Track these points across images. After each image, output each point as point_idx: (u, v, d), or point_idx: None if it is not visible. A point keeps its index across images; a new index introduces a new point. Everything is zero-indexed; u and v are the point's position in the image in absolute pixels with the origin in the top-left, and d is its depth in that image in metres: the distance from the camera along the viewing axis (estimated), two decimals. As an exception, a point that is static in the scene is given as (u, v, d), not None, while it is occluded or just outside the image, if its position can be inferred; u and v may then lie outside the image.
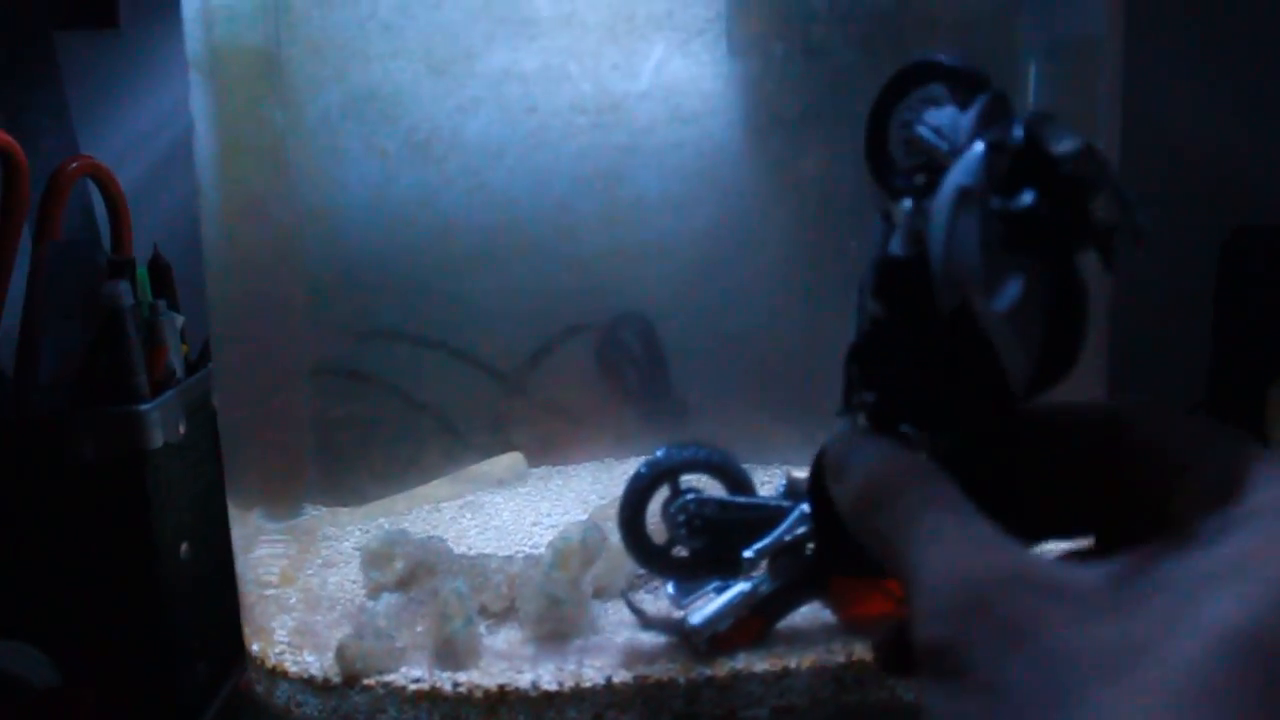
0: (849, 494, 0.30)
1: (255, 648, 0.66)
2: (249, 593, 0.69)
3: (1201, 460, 0.27)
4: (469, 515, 0.78)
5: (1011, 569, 0.25)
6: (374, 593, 0.68)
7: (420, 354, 0.81)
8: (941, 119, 0.30)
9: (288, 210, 0.72)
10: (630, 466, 0.83)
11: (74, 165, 0.77)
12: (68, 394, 0.73)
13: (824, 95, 0.62)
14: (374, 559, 0.68)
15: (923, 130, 0.30)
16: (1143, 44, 0.80)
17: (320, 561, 0.74)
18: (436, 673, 0.60)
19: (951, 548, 0.26)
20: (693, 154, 0.61)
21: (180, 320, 0.82)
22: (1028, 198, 0.28)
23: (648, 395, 0.85)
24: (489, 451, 0.84)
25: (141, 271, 0.83)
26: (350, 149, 0.67)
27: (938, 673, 0.25)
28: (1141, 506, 0.28)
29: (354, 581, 0.71)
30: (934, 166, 0.30)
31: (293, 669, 0.63)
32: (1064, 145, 0.28)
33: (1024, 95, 0.75)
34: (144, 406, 0.72)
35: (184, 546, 0.76)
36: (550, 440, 0.83)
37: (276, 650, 0.64)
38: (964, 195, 0.28)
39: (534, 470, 0.84)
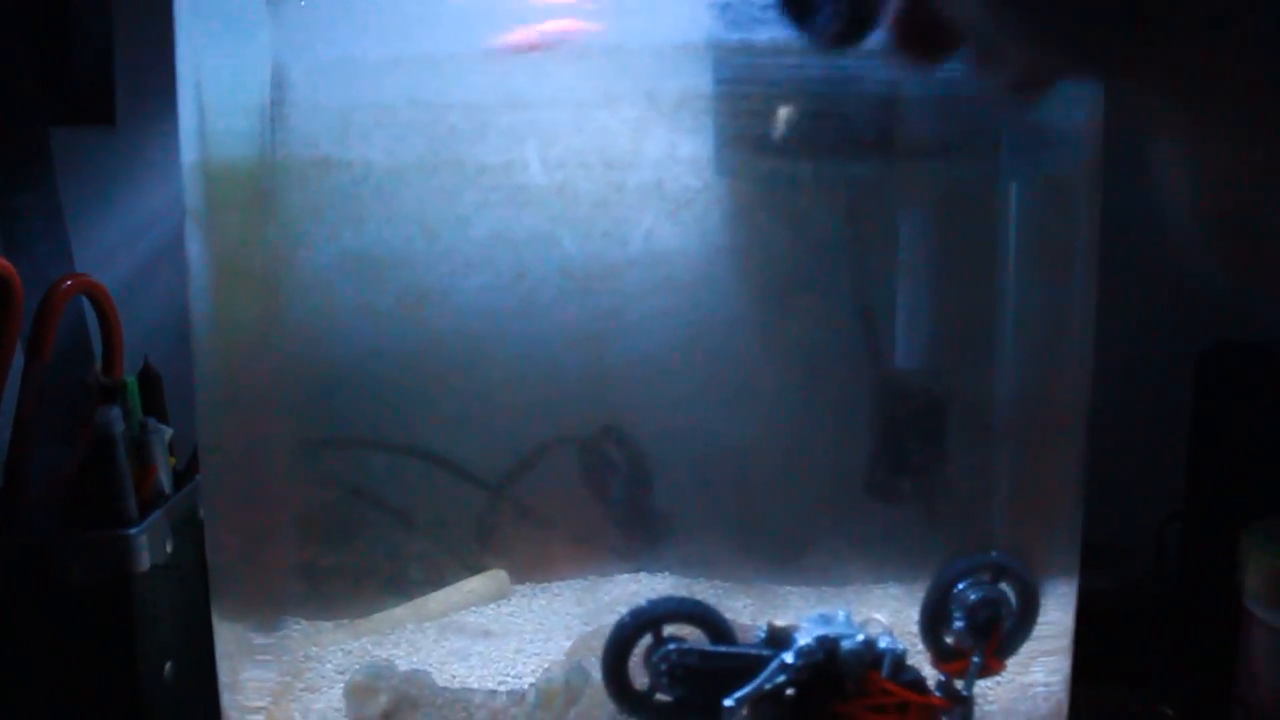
0: None
1: (238, 783, 0.66)
2: (233, 722, 0.69)
3: None
4: (451, 637, 0.79)
5: None
6: (357, 726, 0.68)
7: (402, 464, 0.82)
8: None
9: (279, 334, 0.72)
10: (616, 585, 0.85)
11: (68, 284, 0.78)
12: (56, 516, 0.74)
13: (810, 261, 0.63)
14: (358, 693, 0.68)
15: None
16: (1120, 161, 0.81)
17: (302, 686, 0.74)
18: (418, 816, 0.60)
19: None
20: (682, 321, 0.63)
21: (169, 433, 0.82)
22: None
23: (631, 509, 0.86)
24: (473, 564, 0.85)
25: (131, 382, 0.83)
26: (343, 307, 0.68)
27: None
28: None
29: (337, 710, 0.71)
30: None
31: (275, 808, 0.63)
32: None
33: (1007, 218, 0.77)
34: (132, 530, 0.73)
35: (168, 666, 0.77)
36: (535, 554, 0.84)
37: (259, 788, 0.65)
38: None
39: (517, 587, 0.84)
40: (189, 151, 0.62)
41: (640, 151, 0.63)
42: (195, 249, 0.63)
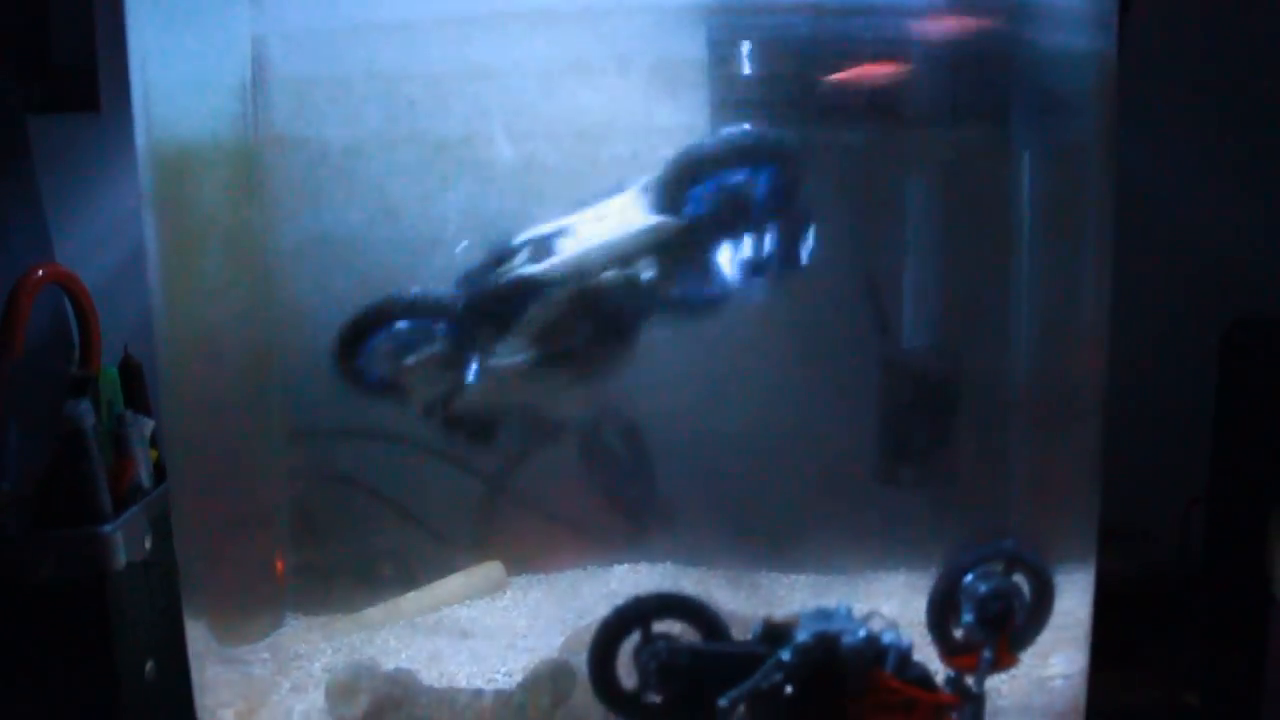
0: None
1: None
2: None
3: None
4: (444, 632, 0.76)
5: None
6: (340, 728, 0.66)
7: (398, 454, 0.79)
8: None
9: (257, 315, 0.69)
10: (614, 576, 0.82)
11: (38, 275, 0.75)
12: (29, 512, 0.71)
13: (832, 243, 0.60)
14: (340, 692, 0.66)
15: None
16: (1138, 137, 0.78)
17: (289, 686, 0.72)
18: (400, 823, 0.58)
19: None
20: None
21: (150, 425, 0.80)
22: None
23: (632, 497, 0.82)
24: (469, 554, 0.82)
25: (111, 372, 0.81)
26: (305, 292, 0.65)
27: None
28: None
29: (321, 710, 0.68)
30: None
31: (252, 815, 0.60)
32: None
33: (1017, 188, 0.73)
34: (106, 528, 0.70)
35: (149, 665, 0.74)
36: (533, 544, 0.81)
37: (237, 794, 0.62)
38: None
39: (514, 579, 0.81)
40: (140, 134, 0.59)
41: (615, 122, 0.59)
42: (151, 234, 0.60)
